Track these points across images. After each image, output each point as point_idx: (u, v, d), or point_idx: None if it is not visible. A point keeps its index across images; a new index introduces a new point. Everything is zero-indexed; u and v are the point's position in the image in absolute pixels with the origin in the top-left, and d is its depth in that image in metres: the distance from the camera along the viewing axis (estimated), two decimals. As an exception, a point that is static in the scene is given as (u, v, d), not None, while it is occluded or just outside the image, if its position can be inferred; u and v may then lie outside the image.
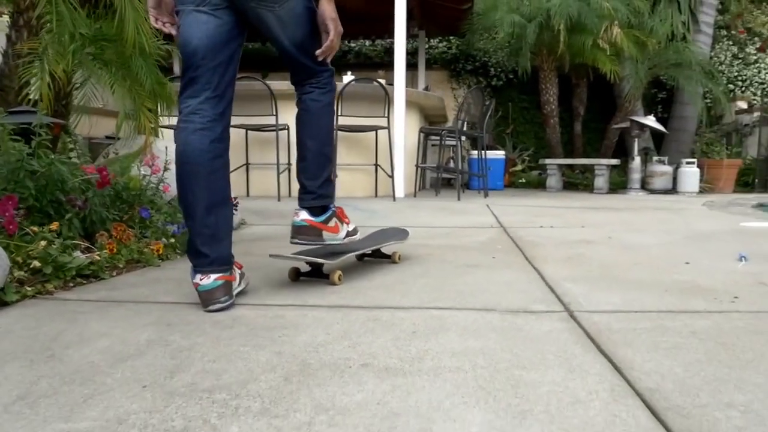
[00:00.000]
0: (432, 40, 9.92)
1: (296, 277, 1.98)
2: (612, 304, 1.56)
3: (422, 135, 6.28)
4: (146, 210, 2.48)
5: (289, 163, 5.75)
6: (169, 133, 5.24)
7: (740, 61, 8.91)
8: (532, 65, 7.73)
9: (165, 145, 3.20)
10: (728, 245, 2.68)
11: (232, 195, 3.15)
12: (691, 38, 8.07)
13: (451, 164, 8.06)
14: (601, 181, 7.13)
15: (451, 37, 9.61)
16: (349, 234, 2.00)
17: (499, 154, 7.83)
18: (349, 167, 5.74)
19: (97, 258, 1.97)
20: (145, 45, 2.99)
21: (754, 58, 8.90)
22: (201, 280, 1.56)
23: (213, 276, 1.56)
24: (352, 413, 0.89)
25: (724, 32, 9.16)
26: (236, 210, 3.08)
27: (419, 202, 5.23)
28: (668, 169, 7.09)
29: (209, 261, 1.58)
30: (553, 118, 8.16)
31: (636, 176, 7.05)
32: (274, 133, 5.60)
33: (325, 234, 1.89)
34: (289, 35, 1.74)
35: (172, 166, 2.95)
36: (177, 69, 9.38)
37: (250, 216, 4.05)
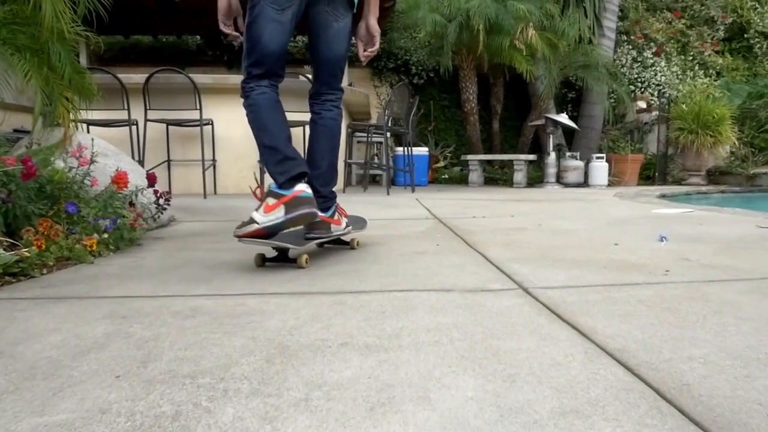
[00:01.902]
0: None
1: (262, 262, 1.97)
2: (560, 281, 1.65)
3: (349, 131, 6.29)
4: (73, 204, 2.33)
5: (214, 160, 5.57)
6: (92, 128, 4.92)
7: (639, 64, 9.63)
8: (453, 64, 7.96)
9: (92, 137, 3.01)
10: (646, 228, 2.90)
11: (161, 189, 3.02)
12: (597, 42, 8.63)
13: (376, 160, 8.12)
14: (519, 175, 7.47)
15: (372, 35, 9.68)
16: (347, 224, 2.27)
17: (423, 150, 8.00)
18: (276, 163, 5.64)
19: (26, 255, 1.83)
20: (65, 30, 2.80)
21: (651, 61, 9.65)
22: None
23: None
24: (346, 387, 0.89)
25: (624, 37, 9.86)
26: (168, 205, 2.95)
27: (349, 197, 5.24)
28: (580, 164, 7.55)
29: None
30: (473, 116, 8.45)
31: (552, 171, 7.44)
32: (197, 128, 5.41)
33: (332, 226, 2.16)
34: (336, 46, 2.07)
35: (100, 159, 2.78)
36: (83, 61, 8.80)
37: (179, 213, 3.90)
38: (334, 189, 2.24)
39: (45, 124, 2.99)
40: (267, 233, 1.84)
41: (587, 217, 3.51)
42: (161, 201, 2.90)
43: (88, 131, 5.29)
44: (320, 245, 2.35)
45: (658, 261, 1.95)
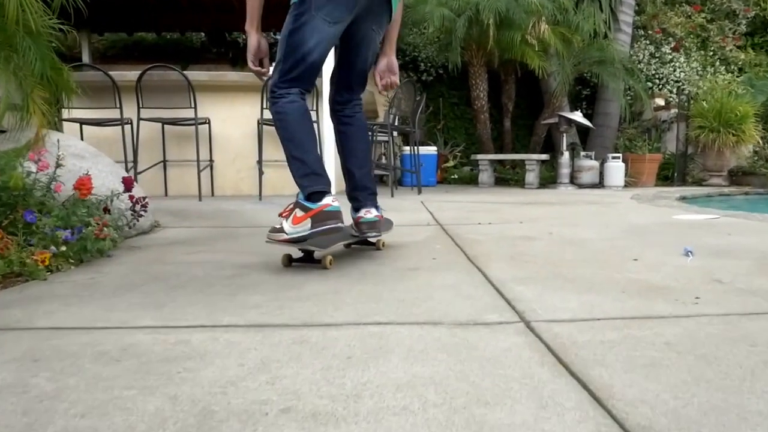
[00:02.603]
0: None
1: (289, 262, 2.04)
2: (570, 311, 1.39)
3: (353, 130, 6.04)
4: (31, 213, 2.11)
5: (211, 160, 5.37)
6: (67, 126, 4.72)
7: (657, 59, 9.26)
8: (462, 60, 7.67)
9: (57, 138, 2.80)
10: (668, 238, 2.62)
11: (142, 195, 2.80)
12: (613, 36, 8.29)
13: (383, 160, 7.88)
14: (531, 176, 7.17)
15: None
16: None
17: (431, 149, 7.73)
18: (276, 164, 5.41)
19: (-41, 273, 1.61)
20: (32, 23, 2.59)
21: (670, 57, 9.28)
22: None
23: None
24: (266, 491, 0.65)
25: (641, 32, 9.49)
26: (145, 211, 2.72)
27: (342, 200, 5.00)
28: (595, 163, 7.23)
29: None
30: (484, 114, 8.16)
31: (565, 171, 7.13)
32: (193, 127, 5.20)
33: (380, 224, 2.24)
34: (369, 56, 2.16)
35: (75, 161, 2.56)
36: (86, 59, 8.67)
37: (166, 217, 3.68)
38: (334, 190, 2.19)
39: (14, 124, 2.78)
40: (293, 243, 1.93)
41: (602, 224, 3.23)
42: (137, 207, 2.68)
43: (81, 131, 5.11)
44: (347, 246, 2.37)
45: (685, 282, 1.68)
